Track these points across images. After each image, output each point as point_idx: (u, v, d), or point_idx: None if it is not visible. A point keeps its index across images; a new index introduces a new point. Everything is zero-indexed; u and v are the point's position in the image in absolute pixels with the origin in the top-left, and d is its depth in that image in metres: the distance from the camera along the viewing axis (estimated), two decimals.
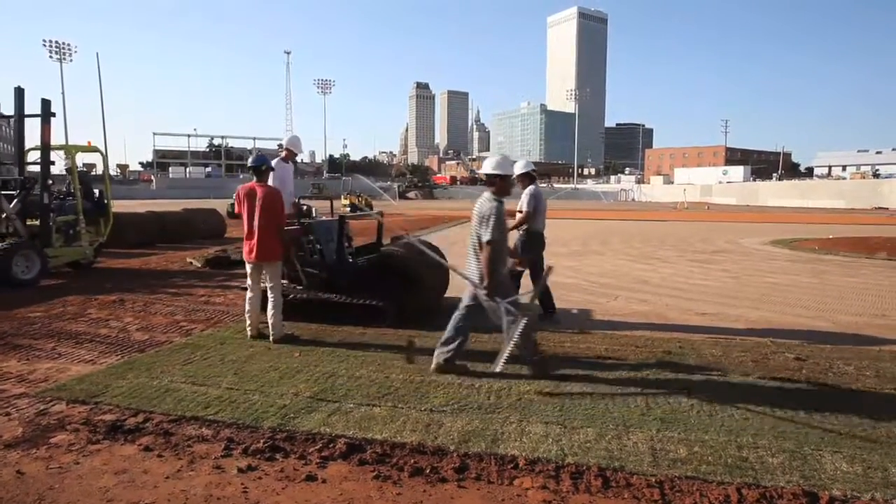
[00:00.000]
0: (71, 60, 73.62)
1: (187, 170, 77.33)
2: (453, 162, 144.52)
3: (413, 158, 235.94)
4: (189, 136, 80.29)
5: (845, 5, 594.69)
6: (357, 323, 5.48)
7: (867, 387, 3.93)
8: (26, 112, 8.42)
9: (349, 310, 5.59)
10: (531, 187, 5.82)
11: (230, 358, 4.50)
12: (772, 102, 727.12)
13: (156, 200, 43.31)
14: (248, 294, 5.15)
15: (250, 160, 5.22)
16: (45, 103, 8.24)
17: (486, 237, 3.99)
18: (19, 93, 8.26)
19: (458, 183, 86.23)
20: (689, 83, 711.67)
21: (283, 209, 5.13)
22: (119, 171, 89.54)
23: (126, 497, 2.50)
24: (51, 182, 8.43)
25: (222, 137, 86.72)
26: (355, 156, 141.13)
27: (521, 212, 5.77)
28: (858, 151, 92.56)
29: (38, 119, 8.24)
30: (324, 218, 7.17)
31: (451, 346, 4.19)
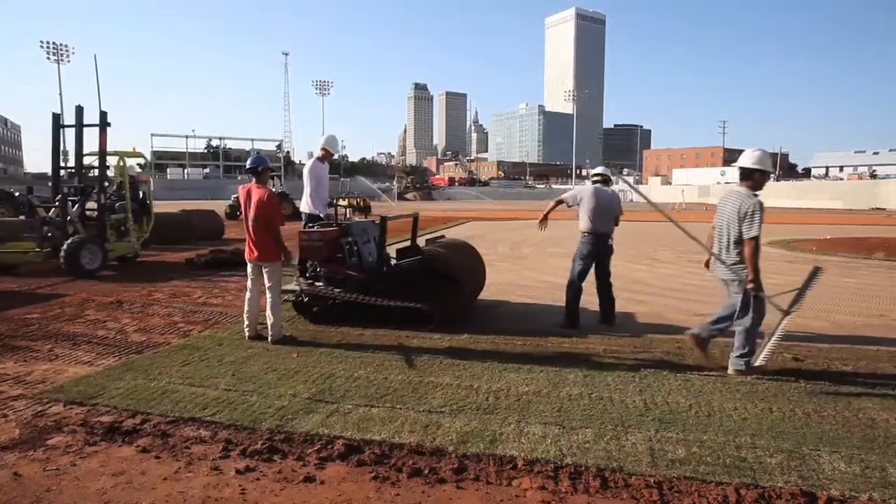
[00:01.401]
0: (68, 61, 73.49)
1: (185, 171, 77.17)
2: (451, 163, 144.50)
3: (411, 159, 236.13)
4: (187, 137, 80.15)
5: (843, 7, 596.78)
6: (397, 326, 5.39)
7: (865, 387, 3.93)
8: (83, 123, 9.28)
9: (388, 313, 5.44)
10: (579, 187, 5.77)
11: (228, 359, 4.49)
12: (770, 103, 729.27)
13: (154, 202, 43.14)
14: (247, 294, 5.17)
15: (248, 161, 5.19)
16: (103, 115, 9.13)
17: (752, 233, 3.97)
18: (79, 109, 9.25)
19: (457, 184, 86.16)
20: (688, 84, 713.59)
21: (279, 212, 5.11)
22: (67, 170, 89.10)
23: (123, 499, 2.50)
24: (106, 184, 9.74)
25: (220, 138, 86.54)
26: (353, 157, 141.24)
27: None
28: (856, 152, 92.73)
29: (79, 128, 9.22)
30: (358, 219, 6.98)
31: (748, 349, 4.15)
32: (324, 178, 6.56)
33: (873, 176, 68.06)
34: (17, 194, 19.41)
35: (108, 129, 9.19)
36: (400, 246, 6.78)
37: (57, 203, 9.20)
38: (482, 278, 6.65)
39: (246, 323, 5.11)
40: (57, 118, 9.62)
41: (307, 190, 6.52)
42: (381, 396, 3.70)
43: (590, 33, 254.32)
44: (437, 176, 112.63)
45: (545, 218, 5.84)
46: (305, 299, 5.78)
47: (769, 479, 2.66)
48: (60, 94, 67.03)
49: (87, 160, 9.81)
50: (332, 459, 2.86)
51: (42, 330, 5.44)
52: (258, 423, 3.26)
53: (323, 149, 6.66)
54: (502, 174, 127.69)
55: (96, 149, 9.45)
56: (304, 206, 6.58)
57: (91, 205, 9.73)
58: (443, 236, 6.86)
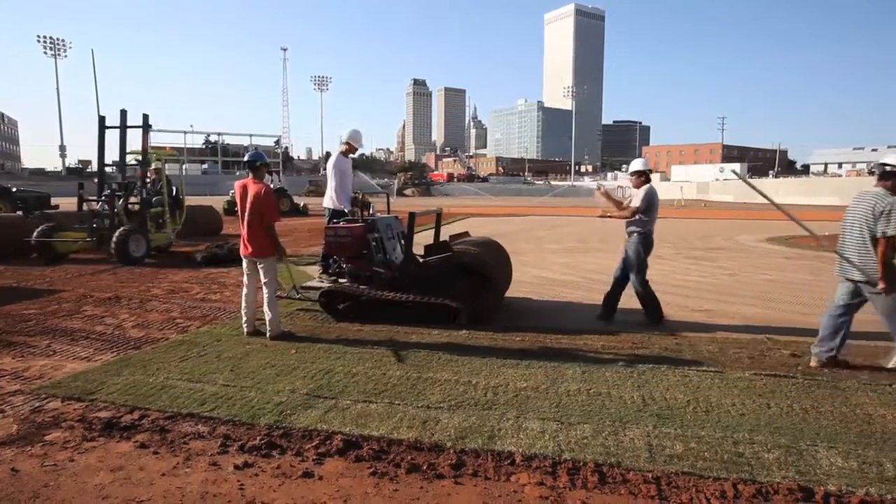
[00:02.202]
0: (65, 56, 73.18)
1: (183, 167, 76.95)
2: (450, 159, 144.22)
3: (410, 155, 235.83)
4: (185, 132, 79.89)
5: (843, 3, 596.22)
6: (424, 324, 5.29)
7: (862, 383, 3.95)
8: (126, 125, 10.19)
9: (416, 310, 5.37)
10: (647, 186, 5.53)
11: (226, 355, 4.48)
12: (769, 100, 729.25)
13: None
14: (244, 290, 5.17)
15: (246, 156, 5.18)
16: (145, 117, 10.20)
17: (890, 231, 3.95)
18: (123, 113, 10.19)
19: (455, 180, 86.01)
20: (687, 81, 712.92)
21: (275, 207, 5.09)
22: (115, 167, 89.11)
23: (121, 494, 2.50)
24: (148, 180, 10.78)
25: (218, 134, 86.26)
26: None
27: (636, 210, 5.48)
28: (854, 149, 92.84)
29: (117, 130, 10.15)
30: (381, 215, 6.73)
31: (833, 343, 4.22)
32: (348, 173, 6.47)
33: (871, 173, 68.13)
34: (14, 189, 19.43)
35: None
36: (425, 243, 6.52)
37: (104, 198, 10.22)
38: (510, 275, 6.56)
39: (244, 319, 5.11)
40: (103, 120, 10.21)
41: (331, 185, 6.42)
42: (380, 392, 3.70)
43: (589, 29, 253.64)
44: (436, 172, 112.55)
45: (607, 216, 5.89)
46: (322, 299, 5.68)
47: (767, 475, 2.67)
48: (58, 89, 66.82)
49: (124, 158, 10.60)
50: (331, 455, 2.86)
51: (40, 325, 5.43)
52: (256, 418, 3.26)
53: (346, 143, 6.57)
54: (501, 170, 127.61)
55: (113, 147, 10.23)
56: (328, 201, 6.49)
57: (129, 199, 10.58)
58: (467, 233, 6.69)
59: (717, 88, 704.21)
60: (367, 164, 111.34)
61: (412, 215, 5.70)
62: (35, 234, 9.61)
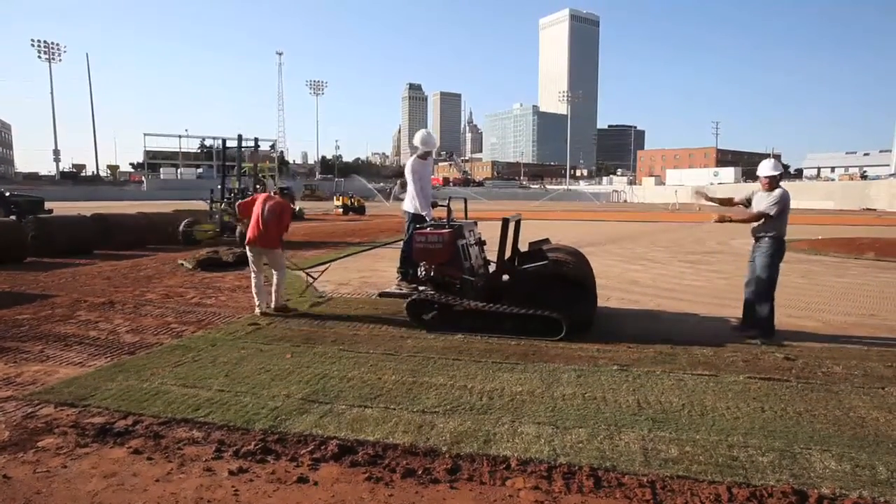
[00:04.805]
0: (60, 60, 73.10)
1: (178, 171, 76.63)
2: (446, 163, 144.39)
3: (405, 159, 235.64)
4: (180, 136, 79.40)
5: (836, 7, 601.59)
6: (519, 334, 5.08)
7: (855, 386, 3.97)
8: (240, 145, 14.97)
9: (511, 320, 5.15)
10: (780, 189, 5.26)
11: (221, 360, 4.47)
12: (762, 105, 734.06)
13: (146, 202, 42.97)
14: (253, 279, 6.10)
15: (282, 184, 6.30)
16: (255, 140, 15.74)
17: None
18: (240, 136, 14.95)
19: (451, 184, 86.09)
20: (681, 85, 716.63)
21: (288, 221, 6.25)
22: (109, 172, 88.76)
23: (115, 501, 2.48)
24: (258, 188, 14.75)
25: (213, 138, 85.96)
26: (348, 157, 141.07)
27: (765, 214, 5.21)
28: (847, 153, 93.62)
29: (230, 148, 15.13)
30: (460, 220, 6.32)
31: None
32: (427, 177, 6.35)
33: (864, 177, 68.65)
34: (7, 194, 19.37)
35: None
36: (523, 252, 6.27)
37: (227, 200, 13.62)
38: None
39: (256, 301, 6.07)
40: (224, 142, 15.08)
41: (412, 189, 6.29)
42: (375, 397, 3.69)
43: (583, 34, 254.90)
44: (432, 176, 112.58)
45: (727, 220, 5.57)
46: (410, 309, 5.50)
47: (761, 478, 2.68)
48: (52, 93, 66.58)
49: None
50: (326, 460, 2.85)
51: (33, 331, 5.39)
52: (251, 423, 3.25)
53: (420, 146, 6.48)
54: (496, 174, 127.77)
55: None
56: (409, 205, 6.34)
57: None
58: (547, 239, 6.44)
59: (711, 93, 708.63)
60: (362, 169, 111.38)
61: (506, 221, 5.51)
62: (181, 225, 13.14)
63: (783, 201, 5.18)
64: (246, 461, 2.83)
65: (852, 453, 2.94)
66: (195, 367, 4.26)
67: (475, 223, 6.11)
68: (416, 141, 6.56)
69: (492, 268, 5.81)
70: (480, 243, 5.93)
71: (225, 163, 15.28)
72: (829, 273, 9.88)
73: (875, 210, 46.68)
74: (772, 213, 5.17)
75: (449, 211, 5.84)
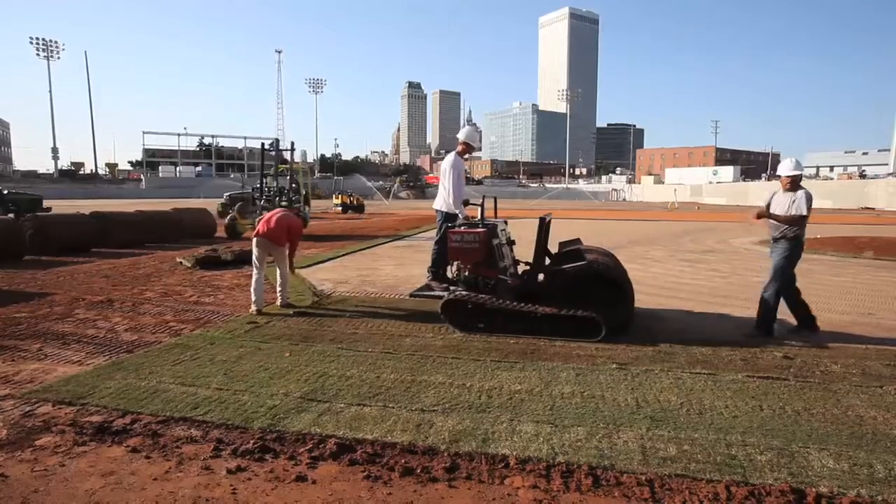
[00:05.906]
0: (58, 58, 72.88)
1: (177, 169, 76.53)
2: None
3: (405, 158, 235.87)
4: (179, 135, 79.34)
5: (835, 7, 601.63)
6: (554, 336, 5.02)
7: (853, 385, 3.97)
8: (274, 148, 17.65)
9: (548, 321, 5.06)
10: (805, 190, 5.23)
11: (220, 358, 4.46)
12: (762, 103, 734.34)
13: (145, 200, 42.92)
14: (255, 275, 6.11)
15: (307, 212, 6.95)
16: (292, 143, 17.50)
17: None
18: (276, 141, 18.60)
19: None
20: (680, 84, 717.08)
21: (299, 234, 6.52)
22: (108, 170, 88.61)
23: (113, 499, 2.48)
24: (294, 186, 16.97)
25: (213, 136, 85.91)
26: (347, 155, 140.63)
27: (803, 217, 5.18)
28: (845, 152, 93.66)
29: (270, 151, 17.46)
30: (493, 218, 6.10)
31: None
32: (462, 174, 6.10)
33: (863, 176, 68.73)
34: (5, 192, 19.34)
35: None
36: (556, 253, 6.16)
37: (266, 197, 15.31)
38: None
39: (253, 298, 6.03)
40: (263, 145, 17.05)
41: (447, 185, 6.03)
42: (374, 395, 3.69)
43: (583, 33, 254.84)
44: (431, 174, 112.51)
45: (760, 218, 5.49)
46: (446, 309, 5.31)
47: (759, 477, 2.68)
48: (50, 92, 66.44)
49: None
50: (324, 458, 2.85)
51: (30, 329, 5.38)
52: (250, 422, 3.25)
53: (464, 143, 6.21)
54: (495, 173, 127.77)
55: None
56: (441, 203, 6.13)
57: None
58: (578, 239, 6.36)
59: (710, 92, 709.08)
60: (362, 167, 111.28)
61: (542, 220, 5.39)
62: (227, 220, 14.95)
63: (811, 200, 5.19)
64: (244, 460, 2.83)
65: (850, 452, 2.94)
66: (193, 366, 4.26)
67: (505, 222, 5.99)
68: (462, 136, 6.25)
69: (521, 268, 5.70)
70: (510, 242, 5.82)
71: (263, 165, 17.21)
72: (828, 272, 9.88)
73: (874, 209, 46.70)
74: (805, 212, 5.17)
75: (483, 210, 5.70)
